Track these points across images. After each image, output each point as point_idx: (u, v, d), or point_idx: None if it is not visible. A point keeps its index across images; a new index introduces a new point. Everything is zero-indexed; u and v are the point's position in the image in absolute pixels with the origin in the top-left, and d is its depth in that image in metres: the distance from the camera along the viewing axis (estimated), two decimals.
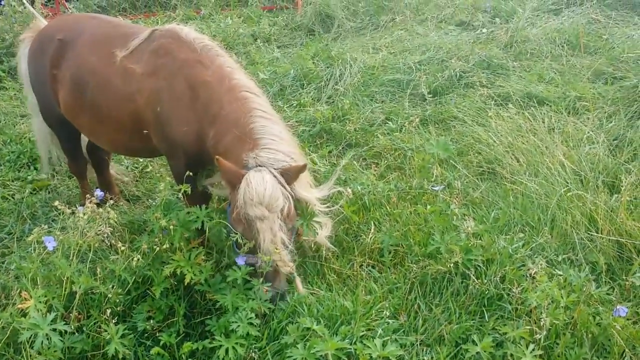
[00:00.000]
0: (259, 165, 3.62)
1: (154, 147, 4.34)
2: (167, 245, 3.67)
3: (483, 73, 7.35)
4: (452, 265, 3.89)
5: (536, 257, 4.10)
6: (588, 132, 5.65)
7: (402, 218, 4.69)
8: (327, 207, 4.14)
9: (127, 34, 4.43)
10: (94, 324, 3.51)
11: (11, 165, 6.08)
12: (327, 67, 7.79)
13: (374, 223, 4.63)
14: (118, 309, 3.61)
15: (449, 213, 4.29)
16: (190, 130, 4.04)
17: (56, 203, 3.72)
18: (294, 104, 7.10)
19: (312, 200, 3.87)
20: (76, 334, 3.46)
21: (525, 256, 4.06)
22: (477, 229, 4.12)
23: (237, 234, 3.57)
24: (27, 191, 5.49)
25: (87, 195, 3.78)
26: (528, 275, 3.73)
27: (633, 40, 7.99)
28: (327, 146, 6.10)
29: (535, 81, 7.02)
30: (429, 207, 4.46)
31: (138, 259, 3.62)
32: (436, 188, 4.62)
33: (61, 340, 3.19)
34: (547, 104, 6.44)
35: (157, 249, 3.67)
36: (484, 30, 9.08)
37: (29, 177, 5.86)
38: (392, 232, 4.47)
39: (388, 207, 4.85)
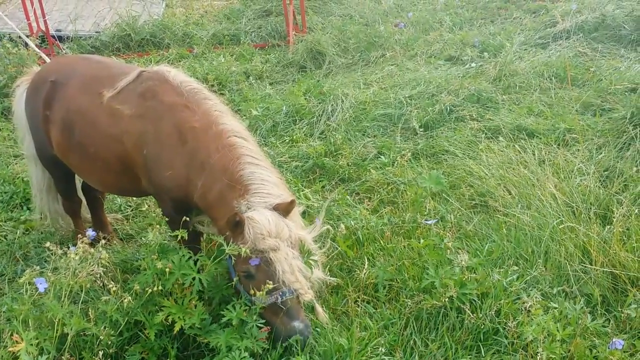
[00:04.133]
0: (249, 209, 3.66)
1: (143, 188, 4.34)
2: (160, 288, 3.64)
3: (473, 107, 7.41)
4: (447, 299, 3.87)
5: (531, 290, 4.10)
6: (578, 164, 5.68)
7: (396, 252, 4.69)
8: (319, 247, 4.16)
9: (115, 75, 4.45)
10: None
11: (4, 206, 6.06)
12: (319, 103, 7.84)
13: (367, 258, 4.62)
14: (110, 350, 3.57)
15: (443, 247, 4.30)
16: (176, 175, 4.03)
17: (48, 244, 3.71)
18: (287, 140, 7.12)
19: (306, 239, 3.88)
20: None
21: (520, 289, 4.05)
22: (471, 263, 4.13)
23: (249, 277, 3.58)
24: (19, 232, 5.46)
25: (79, 235, 3.77)
26: (523, 308, 3.72)
27: (620, 72, 8.09)
28: (320, 181, 6.11)
29: (525, 114, 7.08)
30: (422, 241, 4.46)
31: (129, 300, 3.60)
32: (429, 222, 4.63)
33: None
34: (537, 137, 6.48)
35: (150, 291, 3.64)
36: (473, 64, 9.17)
37: (21, 217, 5.83)
38: (386, 266, 4.46)
39: (382, 242, 4.85)
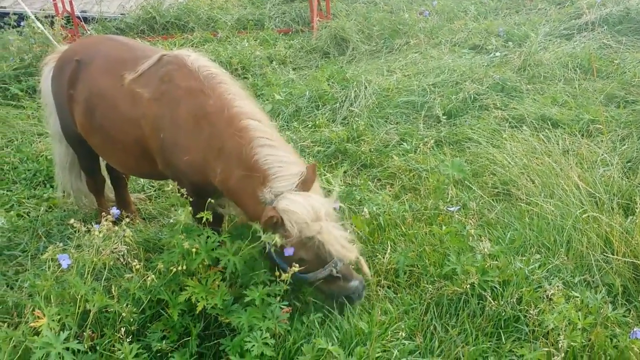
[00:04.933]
0: (277, 195, 3.65)
1: (162, 172, 4.36)
2: (184, 268, 3.67)
3: (497, 95, 7.35)
4: (468, 286, 3.86)
5: (552, 278, 4.07)
6: (602, 155, 5.63)
7: (417, 239, 4.67)
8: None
9: (139, 57, 4.43)
10: (108, 343, 3.50)
11: (27, 183, 6.13)
12: (342, 89, 7.82)
13: (389, 243, 4.61)
14: (132, 327, 3.59)
15: (465, 234, 4.28)
16: (193, 160, 4.03)
17: (72, 221, 3.73)
18: (309, 125, 7.12)
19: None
20: (89, 353, 3.43)
21: (541, 277, 4.03)
22: (493, 250, 4.11)
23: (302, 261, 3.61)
24: (42, 209, 5.51)
25: (103, 213, 3.79)
26: (545, 297, 3.69)
27: None
28: (341, 166, 6.10)
29: (549, 104, 7.01)
30: (444, 227, 4.44)
31: (152, 279, 3.62)
32: (452, 209, 4.61)
33: (74, 359, 3.18)
34: (561, 127, 6.42)
35: (174, 270, 3.67)
36: (497, 53, 9.09)
37: (44, 195, 5.89)
38: (407, 252, 4.45)
39: (403, 228, 4.83)
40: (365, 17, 10.93)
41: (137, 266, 3.69)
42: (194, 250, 3.64)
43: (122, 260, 3.82)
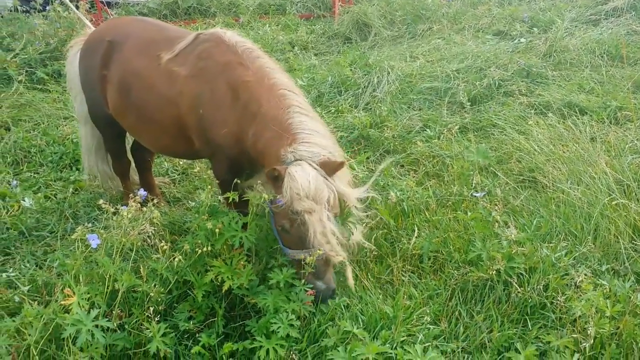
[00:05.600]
0: (298, 160, 3.63)
1: (197, 150, 4.38)
2: (209, 249, 3.69)
3: (522, 82, 7.29)
4: (494, 272, 3.84)
5: (579, 266, 4.03)
6: (630, 142, 5.56)
7: (442, 225, 4.66)
8: (364, 209, 4.15)
9: (172, 38, 4.49)
10: (136, 322, 3.54)
11: (54, 166, 6.18)
12: (365, 75, 7.79)
13: (413, 229, 4.60)
14: (160, 307, 3.62)
15: (491, 220, 4.26)
16: (230, 132, 4.07)
17: (100, 202, 3.76)
18: (332, 110, 7.12)
19: (351, 198, 3.87)
20: (118, 331, 3.48)
21: (568, 265, 3.99)
22: (519, 237, 4.08)
23: (284, 231, 3.61)
24: (69, 191, 5.56)
25: (131, 195, 3.82)
26: (572, 284, 3.67)
27: None
28: (365, 152, 6.09)
29: (576, 90, 6.94)
30: (469, 214, 4.42)
31: (179, 259, 3.65)
32: (477, 194, 4.58)
33: (104, 337, 3.22)
34: (588, 114, 6.35)
35: (200, 251, 3.70)
36: (522, 40, 9.01)
37: (71, 177, 5.94)
38: (431, 238, 4.44)
39: (427, 214, 4.82)
40: (388, 2, 10.87)
41: (165, 247, 3.71)
42: (217, 230, 3.68)
43: (149, 241, 3.86)
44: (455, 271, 4.12)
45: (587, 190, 4.78)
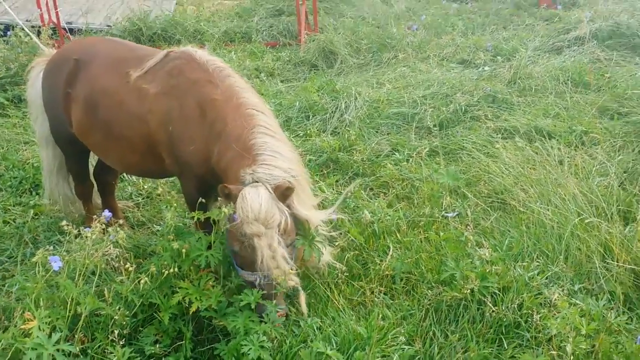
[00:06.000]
0: (255, 181, 3.56)
1: (166, 168, 4.30)
2: (176, 270, 3.57)
3: (489, 107, 7.36)
4: (467, 291, 3.79)
5: (552, 286, 4.00)
6: (597, 165, 5.62)
7: (414, 246, 4.61)
8: (330, 230, 4.09)
9: (141, 56, 4.45)
10: (99, 346, 3.38)
11: (13, 191, 5.99)
12: (332, 100, 7.77)
13: (385, 250, 4.55)
14: (124, 331, 3.47)
15: (464, 239, 4.22)
16: (197, 150, 4.00)
17: (63, 223, 3.63)
18: (300, 134, 7.07)
19: (314, 221, 3.80)
20: (81, 356, 3.33)
21: (541, 284, 3.96)
22: (492, 257, 4.04)
23: (234, 253, 3.55)
24: (29, 216, 5.37)
25: (95, 217, 3.69)
26: (547, 302, 3.64)
27: (636, 78, 8.02)
28: (334, 175, 6.04)
29: (541, 115, 7.02)
30: (441, 234, 4.38)
31: (146, 281, 3.52)
32: (449, 215, 4.55)
33: None
34: (555, 138, 6.40)
35: (166, 272, 3.57)
36: (486, 67, 9.12)
37: (30, 202, 5.75)
38: (403, 259, 4.38)
39: (398, 235, 4.77)
40: (354, 31, 10.94)
41: (131, 268, 3.58)
42: (183, 251, 3.57)
43: (113, 263, 3.73)
44: (429, 291, 4.06)
45: (557, 210, 4.79)
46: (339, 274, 4.30)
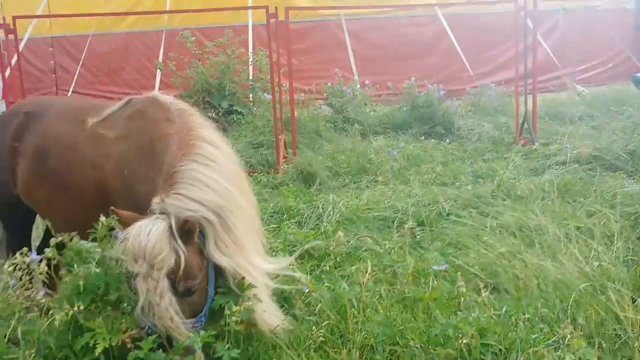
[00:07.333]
0: (162, 213, 3.10)
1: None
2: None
3: (474, 209, 6.99)
4: (463, 346, 3.16)
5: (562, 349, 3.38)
6: (594, 252, 5.17)
7: (396, 322, 3.98)
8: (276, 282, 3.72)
9: (100, 106, 4.22)
10: None
11: None
12: (309, 208, 7.38)
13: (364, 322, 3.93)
14: None
15: (456, 294, 3.64)
16: (149, 191, 3.50)
17: None
18: (273, 228, 6.61)
19: (246, 270, 3.29)
20: None
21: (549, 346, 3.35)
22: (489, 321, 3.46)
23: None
24: None
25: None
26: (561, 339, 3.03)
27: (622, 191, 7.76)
28: (308, 262, 5.49)
29: (530, 214, 6.63)
30: (429, 291, 3.81)
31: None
32: (441, 267, 4.01)
33: None
34: (545, 234, 5.98)
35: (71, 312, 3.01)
36: (469, 187, 8.87)
37: None
38: (386, 324, 3.76)
39: (381, 311, 4.14)
40: (333, 157, 10.83)
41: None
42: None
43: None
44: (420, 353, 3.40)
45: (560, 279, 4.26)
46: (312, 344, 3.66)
